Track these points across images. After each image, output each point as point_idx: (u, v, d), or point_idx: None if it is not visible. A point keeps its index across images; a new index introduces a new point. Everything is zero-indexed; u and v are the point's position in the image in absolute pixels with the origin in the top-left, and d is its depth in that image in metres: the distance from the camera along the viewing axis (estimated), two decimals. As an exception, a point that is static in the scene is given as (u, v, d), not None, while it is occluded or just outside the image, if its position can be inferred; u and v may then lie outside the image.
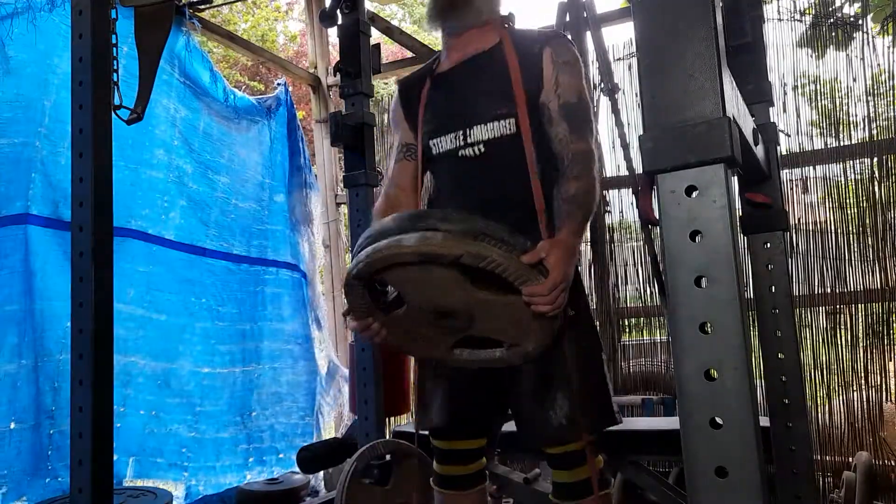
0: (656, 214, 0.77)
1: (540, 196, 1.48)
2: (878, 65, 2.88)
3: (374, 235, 1.27)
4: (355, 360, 2.51)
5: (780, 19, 3.04)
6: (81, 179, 1.52)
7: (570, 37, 2.00)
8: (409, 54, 4.13)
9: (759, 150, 1.20)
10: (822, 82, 3.00)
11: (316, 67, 4.13)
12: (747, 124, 1.03)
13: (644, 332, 3.27)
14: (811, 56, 3.02)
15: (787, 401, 1.43)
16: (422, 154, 1.67)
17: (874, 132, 2.89)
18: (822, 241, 2.95)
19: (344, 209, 4.07)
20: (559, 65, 1.53)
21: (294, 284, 3.65)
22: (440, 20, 1.62)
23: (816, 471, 2.70)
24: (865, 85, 2.90)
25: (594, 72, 2.99)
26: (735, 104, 0.82)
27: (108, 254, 1.52)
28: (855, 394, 2.86)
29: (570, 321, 1.46)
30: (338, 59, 2.48)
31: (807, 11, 3.01)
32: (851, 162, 2.93)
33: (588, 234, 3.16)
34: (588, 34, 2.82)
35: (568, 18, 2.83)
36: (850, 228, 2.91)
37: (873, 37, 2.91)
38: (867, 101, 2.90)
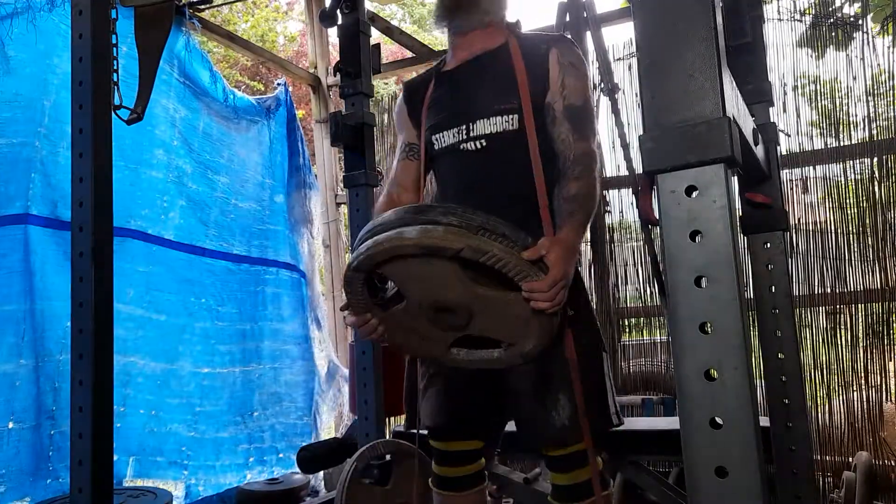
0: (656, 214, 0.77)
1: (544, 192, 1.49)
2: (878, 65, 2.88)
3: (375, 228, 1.27)
4: (355, 360, 2.51)
5: (780, 19, 3.04)
6: (81, 179, 1.52)
7: (570, 37, 2.00)
8: (409, 54, 4.13)
9: (759, 150, 1.20)
10: (822, 82, 3.00)
11: (316, 67, 4.13)
12: (747, 124, 1.03)
13: (644, 332, 3.27)
14: (811, 56, 3.02)
15: (787, 401, 1.43)
16: (424, 152, 1.68)
17: (874, 132, 2.89)
18: (822, 241, 2.95)
19: (344, 209, 4.07)
20: (565, 66, 1.54)
21: (293, 284, 3.65)
22: (447, 20, 1.63)
23: (816, 471, 2.71)
24: (865, 85, 2.89)
25: (594, 72, 2.99)
26: (735, 104, 0.82)
27: (108, 254, 1.52)
28: (855, 394, 2.86)
29: (570, 320, 1.46)
30: (338, 59, 2.48)
31: (807, 11, 3.01)
32: (851, 162, 2.93)
33: (588, 234, 3.16)
34: (588, 34, 2.82)
35: (568, 18, 2.83)
36: (850, 228, 2.91)
37: (873, 37, 2.91)
38: (867, 101, 2.90)
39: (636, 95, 3.20)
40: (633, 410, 3.04)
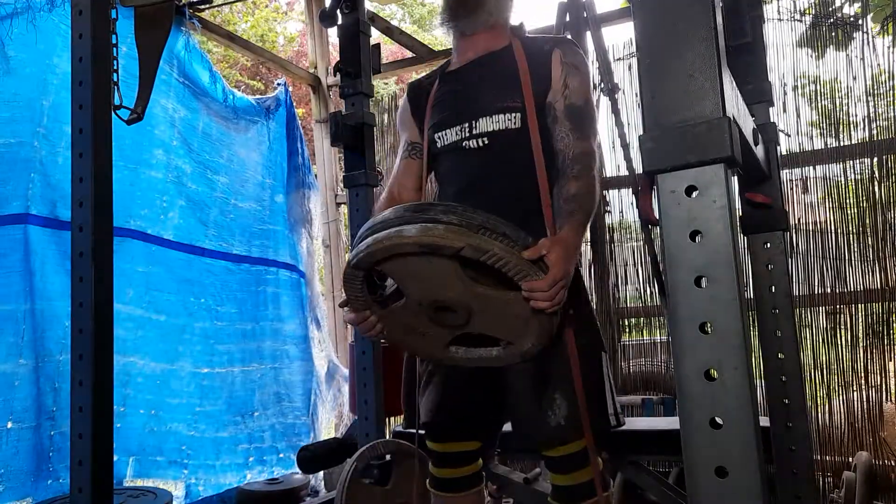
0: (656, 214, 0.77)
1: (546, 192, 1.50)
2: (878, 65, 2.88)
3: (375, 226, 1.27)
4: (355, 360, 2.51)
5: (780, 19, 3.04)
6: (81, 179, 1.52)
7: (570, 37, 2.01)
8: (409, 54, 4.13)
9: (759, 150, 1.20)
10: (822, 82, 3.00)
11: (316, 67, 4.13)
12: (747, 124, 1.03)
13: (644, 332, 3.27)
14: (811, 56, 3.02)
15: (787, 401, 1.43)
16: (427, 151, 1.68)
17: (874, 132, 2.89)
18: (822, 241, 2.95)
19: (344, 209, 4.07)
20: (568, 66, 1.55)
21: (293, 284, 3.65)
22: (452, 21, 1.65)
23: (816, 471, 2.71)
24: (865, 85, 2.89)
25: (594, 72, 2.99)
26: (735, 104, 0.82)
27: (108, 254, 1.52)
28: (855, 394, 2.86)
29: (569, 320, 1.46)
30: (338, 59, 2.48)
31: (807, 11, 3.00)
32: (851, 162, 2.93)
33: (588, 234, 3.16)
34: (588, 34, 2.82)
35: (568, 18, 2.83)
36: (850, 228, 2.91)
37: (873, 37, 2.91)
38: (867, 101, 2.90)
39: (636, 95, 3.20)
40: (633, 410, 3.04)
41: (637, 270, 3.26)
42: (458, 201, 1.50)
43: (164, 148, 3.00)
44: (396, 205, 1.52)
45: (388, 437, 2.54)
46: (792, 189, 3.06)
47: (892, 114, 2.86)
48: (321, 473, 3.46)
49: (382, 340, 1.97)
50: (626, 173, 2.89)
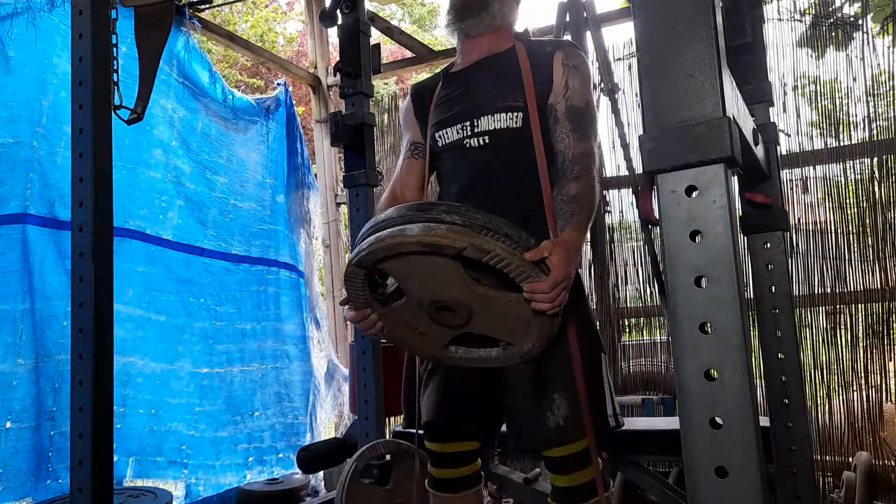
0: (656, 214, 0.77)
1: (549, 192, 1.50)
2: (878, 65, 2.88)
3: (378, 225, 1.27)
4: (355, 360, 2.51)
5: (780, 19, 3.04)
6: (81, 179, 1.52)
7: (571, 39, 2.02)
8: (409, 54, 4.13)
9: (759, 150, 1.20)
10: (821, 82, 3.00)
11: (316, 67, 4.13)
12: (747, 124, 1.03)
13: (644, 332, 3.27)
14: (811, 56, 3.02)
15: (787, 401, 1.42)
16: (428, 151, 1.69)
17: (874, 132, 2.89)
18: (822, 241, 2.95)
19: (344, 209, 4.07)
20: (569, 68, 1.57)
21: (292, 284, 3.65)
22: (457, 23, 1.66)
23: (816, 471, 2.71)
24: (865, 85, 2.89)
25: (594, 72, 2.99)
26: (735, 104, 0.82)
27: (108, 254, 1.52)
28: (855, 394, 2.86)
29: (571, 321, 1.46)
30: (338, 59, 2.48)
31: (807, 11, 3.00)
32: (851, 162, 2.93)
33: (588, 234, 3.16)
34: (588, 34, 2.82)
35: (568, 18, 2.83)
36: (850, 228, 2.91)
37: (873, 37, 2.91)
38: (867, 102, 2.89)
39: (636, 95, 3.20)
40: (633, 410, 3.04)
41: (637, 270, 3.26)
42: (460, 200, 1.50)
43: (163, 148, 3.00)
44: (398, 203, 1.53)
45: (388, 437, 2.54)
46: (792, 189, 3.06)
47: (892, 114, 2.86)
48: (321, 473, 3.46)
49: (383, 340, 1.97)
50: (626, 173, 2.90)
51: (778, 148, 1.52)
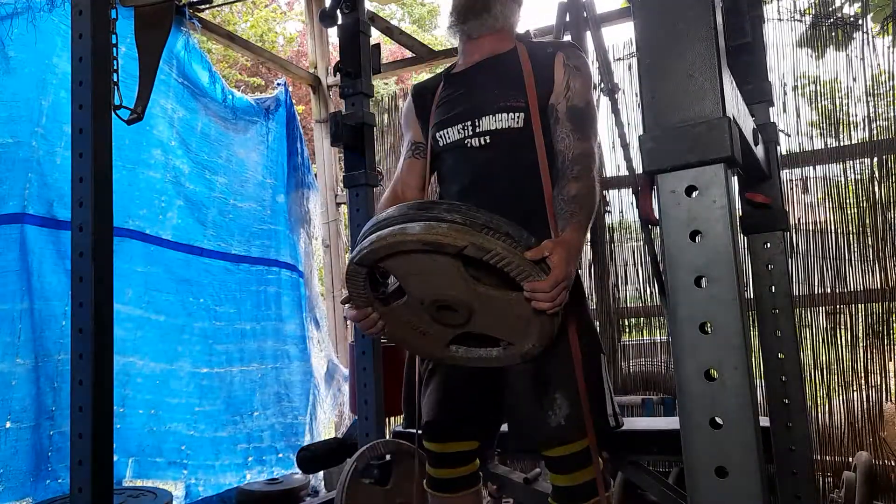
0: (656, 214, 0.77)
1: (550, 192, 1.50)
2: (878, 65, 2.88)
3: (379, 223, 1.28)
4: (355, 360, 2.51)
5: (780, 19, 3.04)
6: (81, 179, 1.52)
7: (571, 39, 2.02)
8: (409, 54, 4.13)
9: (759, 150, 1.20)
10: (821, 82, 3.00)
11: (316, 67, 4.13)
12: (747, 124, 1.03)
13: (644, 332, 3.27)
14: (811, 56, 3.02)
15: (787, 401, 1.42)
16: (429, 150, 1.69)
17: (874, 132, 2.89)
18: (822, 241, 2.95)
19: (344, 209, 4.07)
20: (571, 69, 1.58)
21: (292, 284, 3.65)
22: (459, 24, 1.67)
23: (816, 471, 2.71)
24: (865, 85, 2.89)
25: (594, 72, 2.99)
26: (735, 104, 0.82)
27: (108, 254, 1.52)
28: (855, 394, 2.86)
29: (572, 321, 1.46)
30: (338, 59, 2.48)
31: (807, 11, 3.00)
32: (851, 162, 2.93)
33: (588, 234, 3.16)
34: (588, 34, 2.82)
35: (568, 18, 2.83)
36: (850, 228, 2.91)
37: (873, 37, 2.91)
38: (867, 101, 2.89)
39: (636, 95, 3.20)
40: (633, 410, 3.04)
41: (637, 270, 3.26)
42: (461, 200, 1.51)
43: (163, 148, 3.00)
44: (399, 202, 1.53)
45: (388, 437, 2.54)
46: (792, 189, 3.06)
47: (892, 114, 2.86)
48: (321, 473, 3.46)
49: (383, 339, 1.97)
50: (626, 173, 2.90)
51: (778, 148, 1.52)
